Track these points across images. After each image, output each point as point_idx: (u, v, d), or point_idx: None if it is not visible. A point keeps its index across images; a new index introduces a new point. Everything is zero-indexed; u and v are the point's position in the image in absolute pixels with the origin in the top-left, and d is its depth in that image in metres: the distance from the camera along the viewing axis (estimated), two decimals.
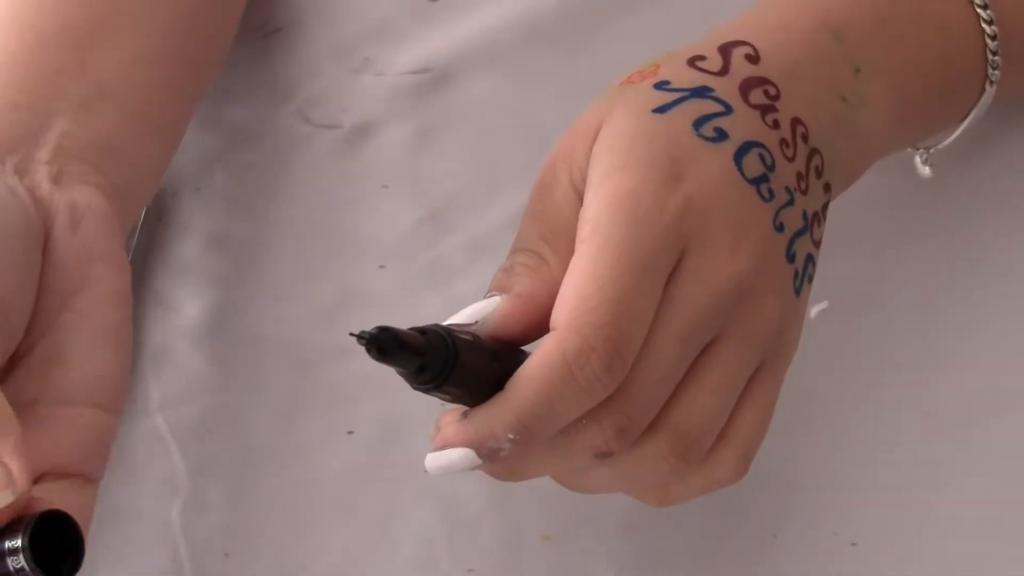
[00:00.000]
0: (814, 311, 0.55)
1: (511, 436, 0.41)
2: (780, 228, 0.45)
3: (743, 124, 0.45)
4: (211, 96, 0.60)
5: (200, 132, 0.61)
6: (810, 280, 0.46)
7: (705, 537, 0.52)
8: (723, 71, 0.46)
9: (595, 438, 0.42)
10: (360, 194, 0.59)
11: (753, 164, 0.45)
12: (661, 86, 0.46)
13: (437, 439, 0.42)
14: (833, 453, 0.53)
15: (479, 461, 0.42)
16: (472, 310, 0.43)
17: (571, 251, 0.43)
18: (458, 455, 0.42)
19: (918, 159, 0.55)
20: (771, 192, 0.45)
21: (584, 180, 0.44)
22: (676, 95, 0.45)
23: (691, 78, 0.46)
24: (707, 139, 0.44)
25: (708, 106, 0.45)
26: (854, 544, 0.52)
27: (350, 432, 0.55)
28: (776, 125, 0.46)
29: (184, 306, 0.58)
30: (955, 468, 0.54)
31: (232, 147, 0.61)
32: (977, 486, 0.53)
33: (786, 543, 0.52)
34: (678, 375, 0.43)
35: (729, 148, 0.45)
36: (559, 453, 0.43)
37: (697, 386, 0.43)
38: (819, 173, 0.47)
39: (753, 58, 0.47)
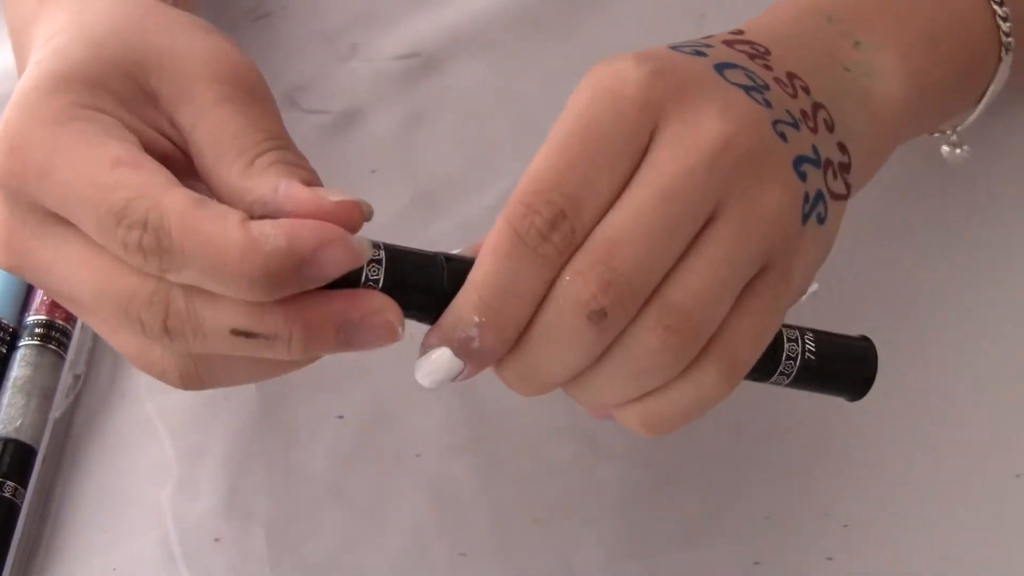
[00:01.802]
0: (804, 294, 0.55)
1: (476, 319, 0.40)
2: (782, 137, 0.43)
3: (726, 54, 0.44)
4: None
5: None
6: (820, 220, 0.44)
7: (696, 519, 0.52)
8: (704, 38, 0.46)
9: (580, 292, 0.40)
10: (350, 179, 0.59)
11: (739, 77, 0.43)
12: None
13: (421, 345, 0.42)
14: (825, 435, 0.54)
15: (459, 362, 0.41)
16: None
17: None
18: (435, 357, 0.41)
19: (945, 148, 0.54)
20: (767, 102, 0.43)
21: None
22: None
23: None
24: (686, 53, 0.43)
25: (687, 46, 0.44)
26: (845, 526, 0.53)
27: (340, 417, 0.54)
28: (768, 68, 0.44)
29: None
30: (946, 450, 0.54)
31: None
32: (969, 468, 0.54)
33: (778, 524, 0.52)
34: (669, 240, 0.40)
35: (709, 60, 0.43)
36: (553, 327, 0.40)
37: (692, 259, 0.41)
38: (830, 127, 0.45)
39: (737, 32, 0.46)
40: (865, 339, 0.47)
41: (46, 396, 0.54)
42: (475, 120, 0.59)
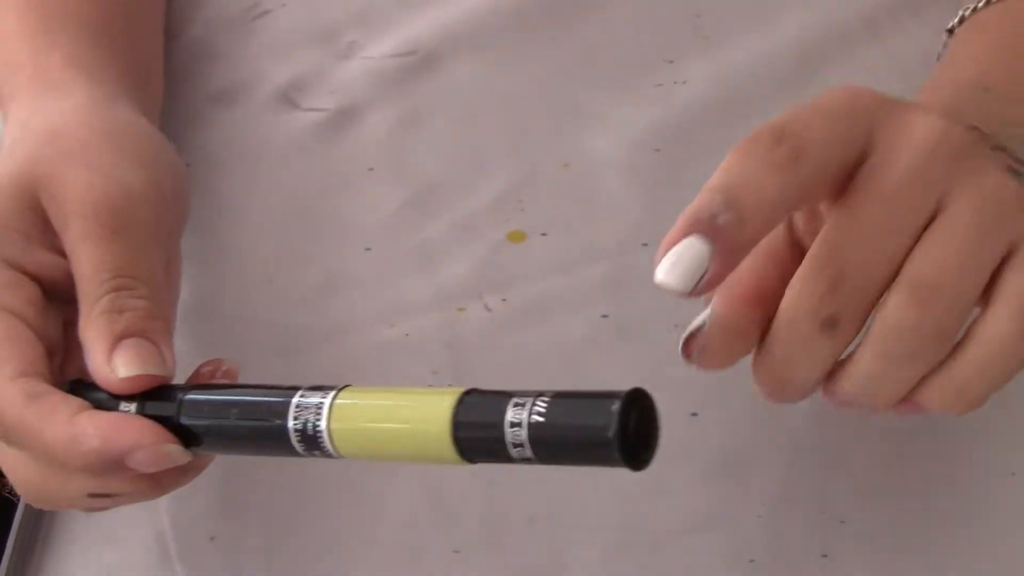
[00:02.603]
0: None
1: (719, 196, 0.40)
2: (993, 146, 0.43)
3: None
4: (196, 79, 0.60)
5: (184, 116, 0.61)
6: None
7: (691, 516, 0.52)
8: None
9: (804, 301, 0.41)
10: (346, 177, 0.59)
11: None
12: None
13: (660, 248, 0.41)
14: (820, 430, 0.53)
15: (704, 247, 0.40)
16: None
17: None
18: (679, 248, 0.40)
19: None
20: (971, 127, 0.44)
21: None
22: None
23: None
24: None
25: None
26: (842, 522, 0.52)
27: None
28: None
29: None
30: (942, 448, 0.54)
31: (218, 130, 0.61)
32: (965, 466, 0.53)
33: (773, 521, 0.52)
34: (896, 229, 0.41)
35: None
36: (788, 330, 0.41)
37: (929, 240, 0.41)
38: (1020, 163, 0.45)
39: None
40: (616, 394, 0.38)
41: None
42: (471, 119, 0.59)
